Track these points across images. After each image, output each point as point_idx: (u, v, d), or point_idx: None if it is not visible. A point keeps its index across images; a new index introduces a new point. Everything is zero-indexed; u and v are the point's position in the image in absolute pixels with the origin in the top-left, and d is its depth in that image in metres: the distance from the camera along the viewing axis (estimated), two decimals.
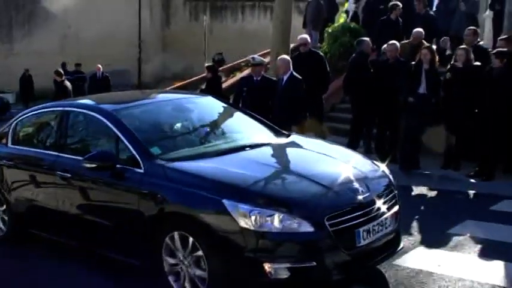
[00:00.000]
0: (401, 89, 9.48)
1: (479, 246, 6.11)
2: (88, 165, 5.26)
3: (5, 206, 6.60)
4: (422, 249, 6.06)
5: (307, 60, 10.22)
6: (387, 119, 9.83)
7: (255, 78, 9.26)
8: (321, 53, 11.58)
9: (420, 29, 10.89)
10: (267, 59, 14.90)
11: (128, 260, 5.36)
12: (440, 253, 5.95)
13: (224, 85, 14.12)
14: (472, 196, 8.36)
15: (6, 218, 6.63)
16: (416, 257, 5.78)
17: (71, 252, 6.10)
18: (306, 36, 11.18)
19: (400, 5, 12.69)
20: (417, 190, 8.66)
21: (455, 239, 6.35)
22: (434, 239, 6.39)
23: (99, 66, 18.27)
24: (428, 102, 9.21)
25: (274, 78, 9.64)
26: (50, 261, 6.12)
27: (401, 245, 5.27)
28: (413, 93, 9.25)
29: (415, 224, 6.82)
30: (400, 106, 9.57)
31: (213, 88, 11.42)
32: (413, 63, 9.54)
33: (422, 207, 7.84)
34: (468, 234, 6.46)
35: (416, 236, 6.43)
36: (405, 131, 9.53)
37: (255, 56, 9.61)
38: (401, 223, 5.42)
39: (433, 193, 8.54)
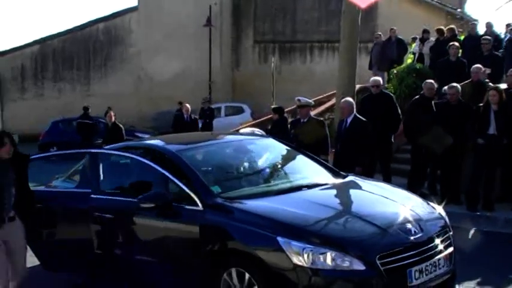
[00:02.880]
0: (468, 131, 9.44)
1: None
2: (143, 206, 5.45)
3: None
4: None
5: (379, 101, 10.33)
6: (450, 161, 9.75)
7: (302, 120, 9.43)
8: (392, 95, 11.66)
9: (479, 65, 10.80)
10: (332, 101, 15.12)
11: None
12: None
13: None
14: None
15: None
16: None
17: None
18: (379, 78, 11.34)
19: (457, 44, 12.64)
20: (481, 233, 8.56)
21: None
22: (494, 283, 6.35)
23: (188, 106, 16.52)
24: (499, 143, 9.16)
25: (321, 119, 9.81)
26: None
27: (457, 287, 5.27)
28: (483, 134, 9.23)
29: (475, 268, 6.74)
30: (465, 148, 9.52)
31: (278, 129, 11.64)
32: (481, 104, 9.50)
33: (484, 251, 7.73)
34: None
35: (476, 280, 6.38)
36: (475, 172, 9.45)
37: (301, 97, 9.70)
38: (461, 266, 5.46)
39: (498, 236, 8.42)
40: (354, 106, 9.22)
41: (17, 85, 30.94)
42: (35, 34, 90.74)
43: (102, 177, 6.38)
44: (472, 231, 8.55)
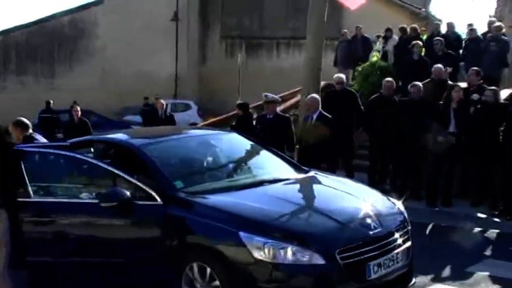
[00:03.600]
0: (429, 128, 9.62)
1: (496, 286, 6.18)
2: (104, 205, 5.31)
3: None
4: (439, 286, 6.17)
5: (342, 98, 10.46)
6: (410, 157, 9.92)
7: (268, 116, 9.50)
8: (355, 91, 11.80)
9: (440, 65, 11.02)
10: (297, 97, 15.20)
11: None
12: None
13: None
14: (495, 235, 8.41)
15: None
16: None
17: None
18: (342, 75, 11.49)
19: (420, 43, 12.86)
20: (439, 228, 8.75)
21: (473, 277, 6.46)
22: (453, 276, 6.54)
23: (162, 102, 15.10)
24: (458, 140, 9.35)
25: (287, 115, 9.90)
26: None
27: (414, 280, 5.38)
28: (443, 132, 9.41)
29: (434, 262, 6.88)
30: (425, 145, 9.69)
31: (243, 125, 11.68)
32: (441, 102, 9.69)
33: (443, 245, 7.88)
34: (487, 273, 6.55)
35: (434, 273, 6.51)
36: (435, 169, 9.64)
37: (268, 93, 9.77)
38: (421, 260, 5.58)
39: (456, 231, 8.60)
40: (320, 102, 9.30)
41: None
42: None
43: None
44: (431, 226, 8.72)
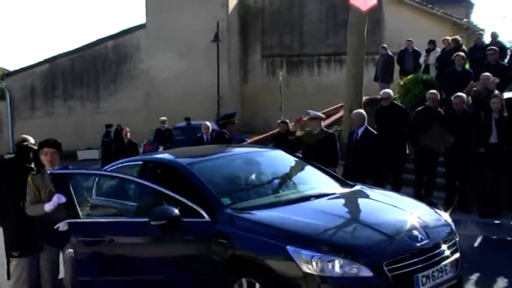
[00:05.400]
0: (472, 139, 9.56)
1: None
2: (154, 223, 5.41)
3: None
4: None
5: (390, 114, 10.42)
6: (456, 169, 9.84)
7: (313, 132, 9.54)
8: (403, 106, 11.76)
9: (488, 74, 10.90)
10: (340, 113, 15.22)
11: None
12: None
13: None
14: None
15: None
16: None
17: None
18: (389, 91, 11.46)
19: (462, 54, 12.73)
20: (488, 240, 8.64)
21: None
22: None
23: (208, 124, 13.86)
24: (500, 151, 9.25)
25: (331, 131, 9.95)
26: None
27: None
28: (485, 142, 9.32)
29: (483, 274, 6.82)
30: (469, 156, 9.62)
31: (286, 141, 11.78)
32: (482, 113, 9.62)
33: (493, 258, 7.81)
34: None
35: (484, 286, 6.44)
36: (481, 180, 9.55)
37: (311, 110, 9.82)
38: (468, 272, 5.53)
39: (504, 243, 8.48)
40: (365, 118, 9.16)
41: (27, 104, 31.24)
42: (44, 53, 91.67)
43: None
44: (479, 238, 8.62)
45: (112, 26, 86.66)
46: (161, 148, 17.04)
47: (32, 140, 7.46)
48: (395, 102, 11.14)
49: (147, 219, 5.46)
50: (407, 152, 10.83)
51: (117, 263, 5.90)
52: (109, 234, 5.86)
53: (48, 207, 5.66)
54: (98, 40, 31.31)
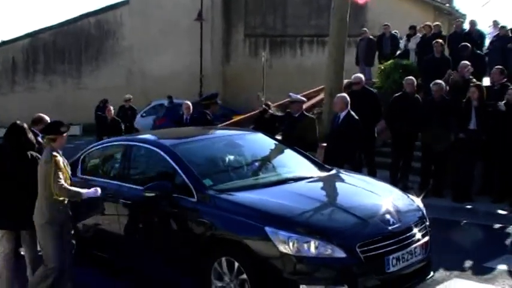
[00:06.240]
0: (451, 125, 9.83)
1: None
2: (147, 194, 5.85)
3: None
4: (457, 281, 6.37)
5: (361, 98, 10.55)
6: (432, 154, 10.12)
7: (293, 115, 9.71)
8: (374, 90, 11.93)
9: (466, 62, 11.14)
10: (321, 95, 15.41)
11: (180, 282, 5.91)
12: (474, 285, 6.27)
13: None
14: None
15: None
16: None
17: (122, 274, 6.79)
18: (360, 75, 11.55)
19: (441, 41, 12.93)
20: (460, 224, 8.94)
21: (491, 272, 6.64)
22: (471, 271, 6.72)
23: (189, 103, 13.31)
24: (478, 138, 9.54)
25: (312, 115, 10.10)
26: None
27: (432, 273, 5.64)
28: (464, 129, 9.61)
29: (453, 257, 7.07)
30: (447, 142, 9.89)
31: (267, 124, 11.91)
32: (464, 100, 9.88)
33: (463, 241, 8.08)
34: (505, 268, 6.73)
35: (453, 268, 6.70)
36: (457, 165, 9.84)
37: (292, 93, 9.95)
38: (440, 255, 5.80)
39: (476, 227, 8.78)
40: (348, 102, 9.09)
41: (7, 78, 31.11)
42: (26, 27, 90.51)
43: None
44: (451, 223, 8.91)
45: (95, 1, 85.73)
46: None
47: (47, 119, 7.95)
48: (366, 86, 11.29)
49: (141, 188, 5.92)
50: (376, 135, 11.03)
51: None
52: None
53: (87, 195, 5.85)
54: (80, 15, 31.23)
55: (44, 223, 5.67)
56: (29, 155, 5.92)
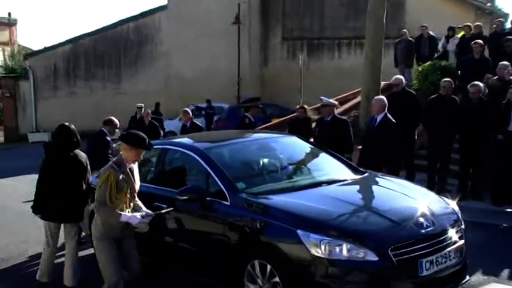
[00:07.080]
0: (490, 127, 9.66)
1: None
2: (181, 198, 5.91)
3: None
4: (494, 285, 6.27)
5: (401, 99, 10.43)
6: (470, 157, 9.97)
7: (325, 119, 9.68)
8: (413, 92, 11.78)
9: (505, 62, 10.92)
10: (358, 98, 15.33)
11: (216, 284, 5.95)
12: None
13: None
14: None
15: None
16: None
17: (164, 275, 6.83)
18: (400, 77, 11.41)
19: (480, 41, 12.71)
20: (500, 227, 8.78)
21: None
22: (505, 275, 6.59)
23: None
24: None
25: (344, 118, 10.07)
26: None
27: (467, 277, 5.55)
28: (503, 131, 9.45)
29: (491, 260, 6.97)
30: (487, 144, 9.73)
31: (302, 127, 11.88)
32: (503, 102, 9.71)
33: (501, 245, 7.94)
34: None
35: (491, 272, 6.59)
36: (496, 168, 9.68)
37: (323, 97, 9.91)
38: (478, 259, 5.71)
39: None
40: (386, 105, 8.90)
41: (49, 84, 31.69)
42: (67, 34, 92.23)
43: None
44: (491, 226, 8.75)
45: (134, 7, 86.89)
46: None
47: (116, 121, 9.86)
48: (406, 88, 11.16)
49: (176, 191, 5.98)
50: (416, 137, 10.91)
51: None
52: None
53: (123, 218, 5.42)
54: (119, 21, 31.60)
55: (97, 237, 5.61)
56: (75, 154, 6.54)
